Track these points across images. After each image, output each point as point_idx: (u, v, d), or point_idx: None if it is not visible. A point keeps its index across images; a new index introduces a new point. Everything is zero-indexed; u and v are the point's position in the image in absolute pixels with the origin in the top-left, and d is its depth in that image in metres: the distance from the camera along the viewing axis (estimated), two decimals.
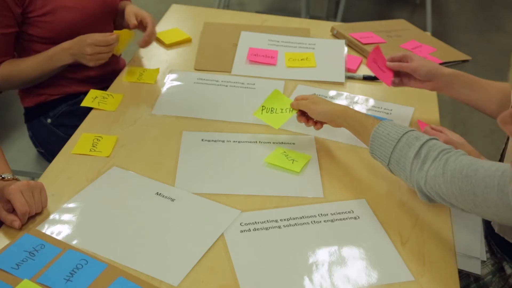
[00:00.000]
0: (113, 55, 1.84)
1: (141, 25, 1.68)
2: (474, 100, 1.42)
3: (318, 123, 1.35)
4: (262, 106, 1.42)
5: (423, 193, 1.08)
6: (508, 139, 1.24)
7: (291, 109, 1.37)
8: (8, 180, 1.17)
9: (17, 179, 1.18)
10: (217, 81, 1.63)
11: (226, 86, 1.60)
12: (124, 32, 1.59)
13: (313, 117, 1.33)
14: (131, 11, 1.69)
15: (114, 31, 1.57)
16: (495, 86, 1.40)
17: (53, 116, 1.74)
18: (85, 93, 1.57)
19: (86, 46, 1.51)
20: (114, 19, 1.81)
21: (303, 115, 1.36)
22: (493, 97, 1.39)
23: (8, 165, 1.27)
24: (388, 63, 1.46)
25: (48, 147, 1.77)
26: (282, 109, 1.40)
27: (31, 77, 1.61)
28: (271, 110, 1.41)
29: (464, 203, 1.01)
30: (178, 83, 1.62)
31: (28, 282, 0.95)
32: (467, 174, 0.99)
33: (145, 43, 1.67)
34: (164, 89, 1.58)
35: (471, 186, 0.98)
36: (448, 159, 1.03)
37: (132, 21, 1.65)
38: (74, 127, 1.41)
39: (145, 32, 1.65)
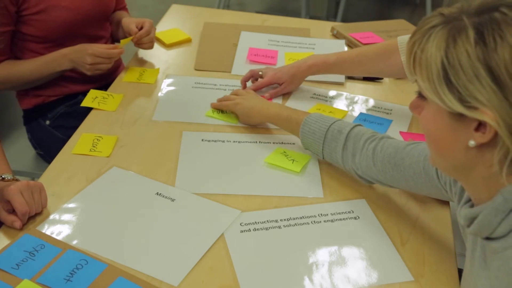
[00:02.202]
0: None
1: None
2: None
3: None
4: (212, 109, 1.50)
5: (362, 178, 1.18)
6: None
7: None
8: (8, 180, 1.17)
9: (17, 180, 1.18)
10: (215, 84, 1.62)
11: (225, 90, 1.59)
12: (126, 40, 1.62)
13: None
14: (130, 21, 1.68)
15: (120, 42, 1.58)
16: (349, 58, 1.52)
17: (52, 118, 1.74)
18: (83, 93, 1.58)
19: (87, 56, 1.52)
20: (109, 19, 1.81)
21: None
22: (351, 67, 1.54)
23: (9, 165, 1.27)
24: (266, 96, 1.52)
25: (47, 149, 1.76)
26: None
27: (29, 79, 1.62)
28: (221, 111, 1.49)
29: (401, 186, 1.12)
30: (177, 88, 1.60)
31: (28, 282, 0.95)
32: (395, 163, 1.08)
33: (138, 43, 1.65)
34: (163, 95, 1.56)
35: (401, 174, 1.07)
36: (375, 149, 1.12)
37: (133, 29, 1.64)
38: (73, 128, 1.41)
39: (141, 30, 1.64)
